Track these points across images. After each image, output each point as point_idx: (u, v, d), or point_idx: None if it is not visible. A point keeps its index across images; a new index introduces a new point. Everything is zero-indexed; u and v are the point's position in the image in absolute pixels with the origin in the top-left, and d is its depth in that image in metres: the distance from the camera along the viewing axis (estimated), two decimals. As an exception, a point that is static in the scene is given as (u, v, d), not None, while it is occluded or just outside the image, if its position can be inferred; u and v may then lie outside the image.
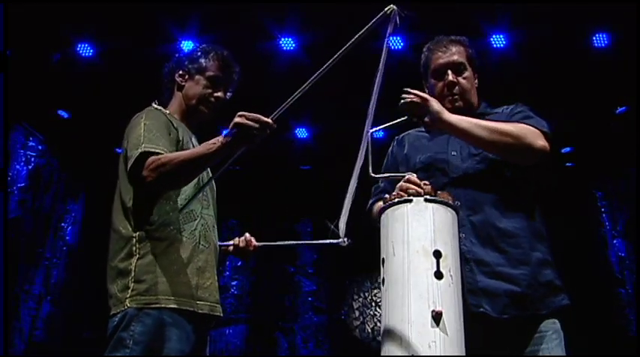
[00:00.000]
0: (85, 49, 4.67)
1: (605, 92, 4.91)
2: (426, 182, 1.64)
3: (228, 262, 5.98)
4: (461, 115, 2.15)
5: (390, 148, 2.33)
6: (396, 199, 1.55)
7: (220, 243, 2.39)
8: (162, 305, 1.99)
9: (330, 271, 6.08)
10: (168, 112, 2.32)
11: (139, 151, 2.02)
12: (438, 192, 1.59)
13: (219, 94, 2.36)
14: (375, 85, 1.69)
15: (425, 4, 4.26)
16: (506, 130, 1.94)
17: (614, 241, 5.45)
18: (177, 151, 2.12)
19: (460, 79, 2.17)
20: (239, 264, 6.15)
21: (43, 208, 5.29)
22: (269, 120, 1.89)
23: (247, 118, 1.89)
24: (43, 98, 4.97)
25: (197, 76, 2.35)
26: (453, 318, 1.41)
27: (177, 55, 2.48)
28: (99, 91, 4.96)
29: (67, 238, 5.58)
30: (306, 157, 6.06)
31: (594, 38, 4.59)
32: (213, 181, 2.37)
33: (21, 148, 5.08)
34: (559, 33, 4.51)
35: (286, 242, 2.60)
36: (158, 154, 2.02)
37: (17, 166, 5.02)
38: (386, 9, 1.64)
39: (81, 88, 4.97)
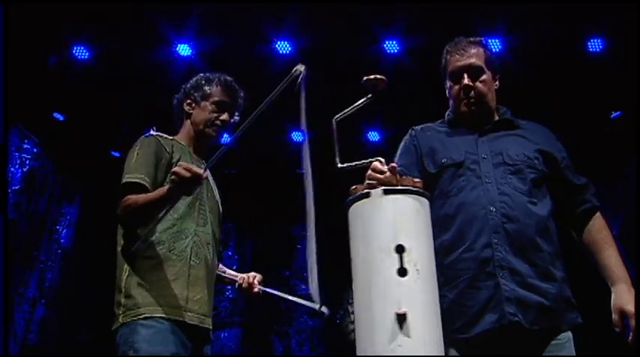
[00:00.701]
0: (80, 52, 4.66)
1: (600, 97, 4.93)
2: (394, 165, 1.53)
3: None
4: (479, 118, 2.17)
5: (409, 137, 2.27)
6: (357, 194, 1.45)
7: (228, 273, 2.65)
8: (152, 315, 2.10)
9: (325, 275, 6.06)
10: (172, 138, 2.44)
11: (122, 182, 2.21)
12: (404, 177, 1.47)
13: (224, 117, 2.50)
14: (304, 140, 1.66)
15: (420, 10, 4.28)
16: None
17: (611, 245, 5.44)
18: (167, 173, 2.25)
19: (477, 83, 2.14)
20: (234, 267, 6.13)
21: (38, 211, 5.26)
22: (199, 171, 2.01)
23: (183, 168, 2.01)
24: (39, 101, 4.94)
25: (203, 103, 2.50)
26: (422, 316, 1.30)
27: (184, 86, 2.61)
28: (95, 93, 4.94)
29: (62, 241, 5.55)
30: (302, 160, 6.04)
31: (589, 43, 4.60)
32: (219, 202, 2.55)
33: (16, 151, 5.05)
34: (554, 38, 4.52)
35: (281, 294, 2.93)
36: (136, 183, 2.18)
37: (12, 169, 5.00)
38: (293, 70, 1.70)
39: (77, 90, 4.96)
